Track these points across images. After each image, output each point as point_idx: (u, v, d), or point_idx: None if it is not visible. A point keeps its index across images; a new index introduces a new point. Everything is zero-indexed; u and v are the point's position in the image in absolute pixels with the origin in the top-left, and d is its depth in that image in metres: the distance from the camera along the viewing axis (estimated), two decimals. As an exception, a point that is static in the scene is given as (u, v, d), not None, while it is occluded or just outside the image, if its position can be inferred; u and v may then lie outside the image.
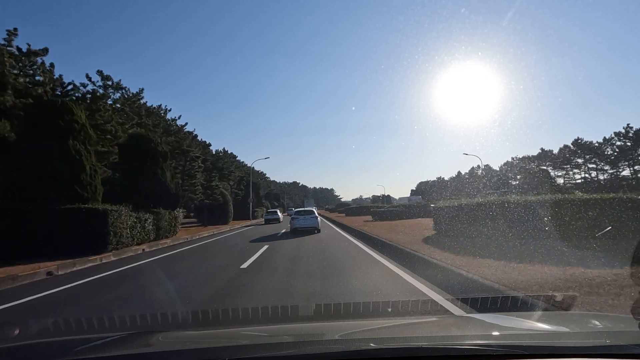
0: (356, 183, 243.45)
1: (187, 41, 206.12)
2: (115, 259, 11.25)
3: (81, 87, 26.27)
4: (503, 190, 41.76)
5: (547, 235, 8.69)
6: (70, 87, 24.52)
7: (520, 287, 4.50)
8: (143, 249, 13.44)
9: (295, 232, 17.95)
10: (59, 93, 23.94)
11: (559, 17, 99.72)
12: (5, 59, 16.06)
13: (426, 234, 12.60)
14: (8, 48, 17.35)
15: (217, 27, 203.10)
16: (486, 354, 1.28)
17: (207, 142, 53.42)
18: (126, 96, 31.74)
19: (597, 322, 1.84)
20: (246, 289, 5.92)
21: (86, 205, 11.78)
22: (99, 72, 28.80)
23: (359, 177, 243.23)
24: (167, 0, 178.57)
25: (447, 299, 4.61)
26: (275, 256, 9.89)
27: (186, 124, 37.29)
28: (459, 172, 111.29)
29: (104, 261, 10.65)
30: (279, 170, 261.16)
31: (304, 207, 30.17)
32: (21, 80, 18.01)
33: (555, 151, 73.07)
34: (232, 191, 46.50)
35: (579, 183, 66.46)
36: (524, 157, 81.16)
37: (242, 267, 8.27)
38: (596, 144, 66.49)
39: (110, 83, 29.60)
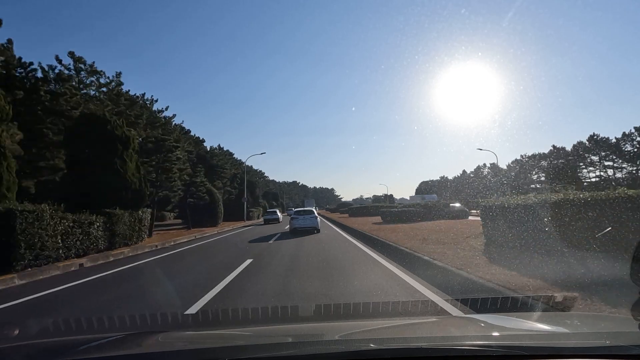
0: (356, 183, 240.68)
1: (187, 41, 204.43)
2: (20, 282, 7.61)
3: (50, 72, 22.96)
4: (525, 187, 38.21)
5: None
6: (33, 67, 21.13)
7: None
8: (81, 264, 9.80)
9: (295, 232, 17.61)
10: (18, 75, 20.55)
11: (559, 17, 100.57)
12: None
13: (474, 244, 8.94)
14: None
15: (217, 27, 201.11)
16: (486, 354, 1.25)
17: (201, 138, 50.04)
18: (102, 82, 28.08)
19: (597, 323, 1.91)
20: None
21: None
22: (71, 54, 25.28)
23: (359, 177, 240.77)
24: (167, 0, 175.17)
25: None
26: (262, 276, 6.25)
27: (174, 115, 33.47)
28: (464, 171, 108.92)
29: (-6, 289, 7.02)
30: (278, 170, 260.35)
31: (303, 207, 29.85)
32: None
33: (568, 148, 69.31)
34: (226, 189, 42.73)
35: (594, 182, 62.55)
36: (533, 155, 78.20)
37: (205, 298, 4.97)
38: (614, 140, 62.57)
39: (83, 67, 26.15)
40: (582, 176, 67.59)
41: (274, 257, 9.60)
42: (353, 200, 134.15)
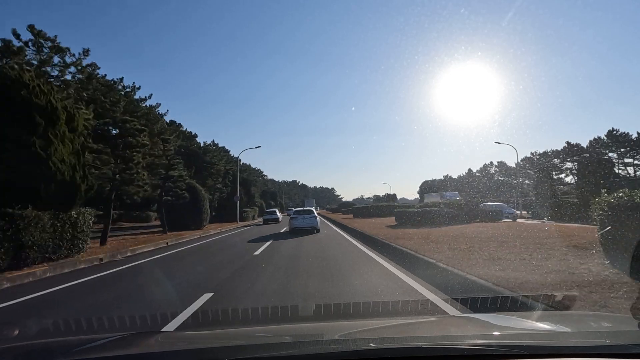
0: (356, 183, 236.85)
1: (187, 41, 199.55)
2: None
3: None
4: (548, 184, 34.32)
5: None
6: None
7: None
8: None
9: (295, 232, 17.57)
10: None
11: (559, 17, 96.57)
12: None
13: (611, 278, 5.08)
14: None
15: (217, 27, 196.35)
16: (486, 353, 1.23)
17: (193, 133, 46.15)
18: (68, 61, 24.07)
19: (597, 322, 1.84)
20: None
21: None
22: (30, 27, 21.31)
23: (359, 177, 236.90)
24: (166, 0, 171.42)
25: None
26: None
27: (158, 104, 29.26)
28: (470, 170, 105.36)
29: None
30: (278, 169, 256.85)
31: (303, 207, 29.36)
32: None
33: (584, 144, 65.24)
34: (217, 187, 38.77)
35: (617, 180, 58.48)
36: (545, 152, 74.58)
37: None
38: (635, 136, 58.45)
39: (44, 44, 22.27)
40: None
41: (248, 295, 5.68)
42: (354, 200, 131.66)
